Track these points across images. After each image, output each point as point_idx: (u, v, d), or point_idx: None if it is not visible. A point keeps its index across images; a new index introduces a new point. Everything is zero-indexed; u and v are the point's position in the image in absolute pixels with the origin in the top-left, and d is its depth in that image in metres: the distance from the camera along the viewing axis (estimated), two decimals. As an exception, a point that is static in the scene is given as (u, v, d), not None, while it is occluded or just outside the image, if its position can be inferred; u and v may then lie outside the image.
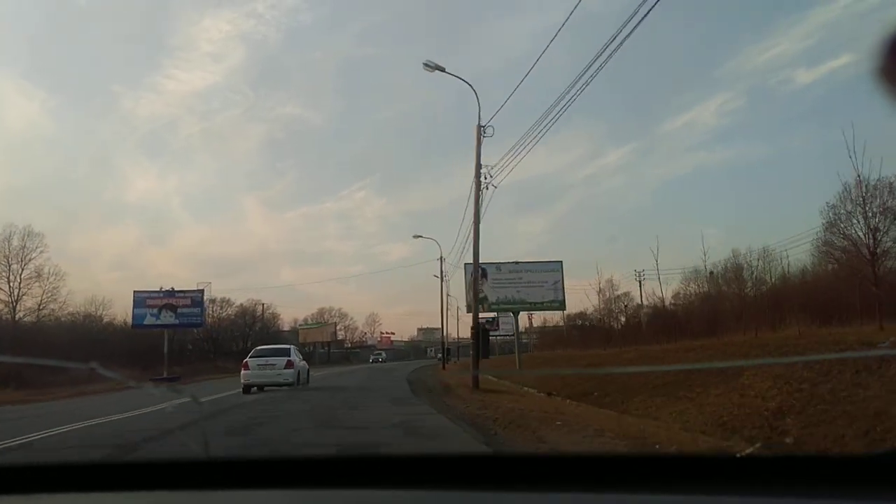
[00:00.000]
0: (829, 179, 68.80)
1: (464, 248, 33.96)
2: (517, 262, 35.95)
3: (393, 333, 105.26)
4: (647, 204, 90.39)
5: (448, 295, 53.31)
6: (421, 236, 49.35)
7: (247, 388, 19.72)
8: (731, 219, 77.85)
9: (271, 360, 20.49)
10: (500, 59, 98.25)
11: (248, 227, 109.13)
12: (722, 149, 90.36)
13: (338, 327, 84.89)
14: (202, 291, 43.19)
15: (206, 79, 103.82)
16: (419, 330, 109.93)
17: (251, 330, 64.70)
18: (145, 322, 40.45)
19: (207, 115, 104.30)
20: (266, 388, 20.04)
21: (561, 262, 36.06)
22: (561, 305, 36.98)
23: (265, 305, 68.97)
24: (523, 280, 35.30)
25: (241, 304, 66.14)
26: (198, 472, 1.53)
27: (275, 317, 72.10)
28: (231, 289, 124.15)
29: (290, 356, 20.97)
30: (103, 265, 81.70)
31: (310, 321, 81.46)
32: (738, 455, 1.44)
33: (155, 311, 40.49)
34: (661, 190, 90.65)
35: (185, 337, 51.24)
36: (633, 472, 1.39)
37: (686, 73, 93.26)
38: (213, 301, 58.37)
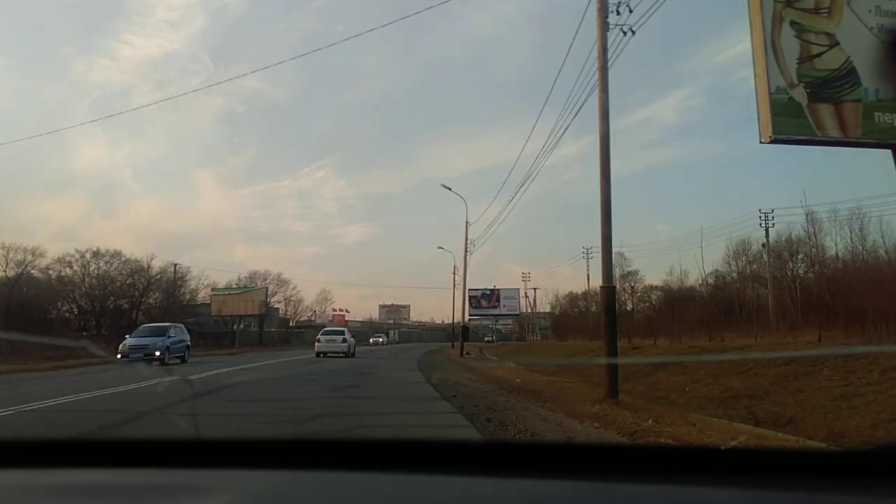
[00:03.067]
0: (779, 180, 75.55)
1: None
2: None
3: (347, 311, 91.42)
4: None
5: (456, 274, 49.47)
6: (449, 188, 42.85)
7: (317, 354, 31.17)
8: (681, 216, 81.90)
9: (334, 337, 32.72)
10: (464, 42, 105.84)
11: (202, 203, 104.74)
12: (678, 145, 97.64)
13: (279, 299, 69.35)
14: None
15: (164, 46, 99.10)
16: (381, 308, 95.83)
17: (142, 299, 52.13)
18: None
19: (163, 85, 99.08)
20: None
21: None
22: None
23: (177, 266, 54.82)
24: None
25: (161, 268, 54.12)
26: (186, 450, 1.55)
27: (184, 281, 57.79)
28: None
29: (345, 335, 33.04)
30: (50, 236, 77.21)
31: (236, 286, 63.76)
32: (722, 448, 1.39)
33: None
34: (617, 184, 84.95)
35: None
36: (626, 462, 1.39)
37: (646, 70, 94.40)
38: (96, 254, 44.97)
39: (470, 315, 60.44)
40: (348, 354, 31.17)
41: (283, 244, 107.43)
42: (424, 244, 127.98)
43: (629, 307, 64.29)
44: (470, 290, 56.87)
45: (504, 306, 70.00)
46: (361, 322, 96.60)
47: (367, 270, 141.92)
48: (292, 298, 71.66)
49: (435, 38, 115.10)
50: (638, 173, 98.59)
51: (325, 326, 44.76)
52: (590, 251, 57.25)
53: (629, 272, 66.32)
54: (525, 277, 75.69)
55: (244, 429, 7.31)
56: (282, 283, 67.60)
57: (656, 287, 64.79)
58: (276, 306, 67.72)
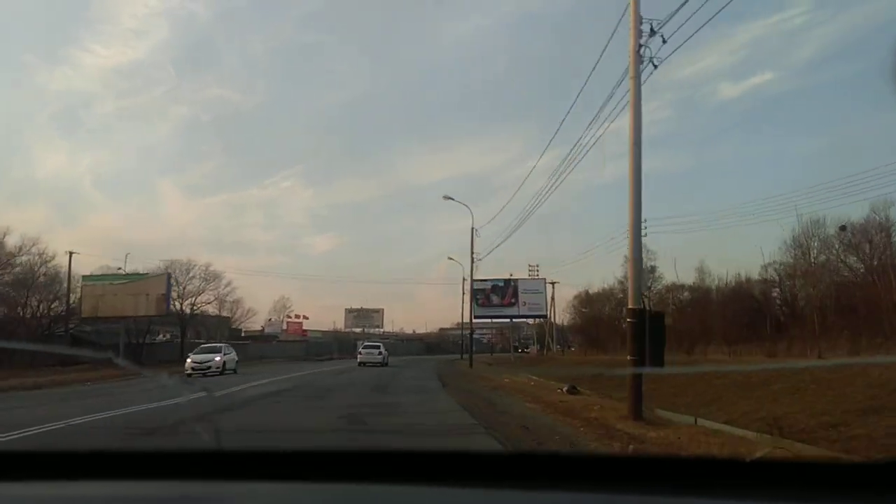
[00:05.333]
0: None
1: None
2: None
3: (306, 318, 76.31)
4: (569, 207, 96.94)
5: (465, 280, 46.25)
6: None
7: (360, 364, 37.47)
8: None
9: (372, 350, 39.41)
10: (440, 53, 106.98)
11: (165, 212, 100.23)
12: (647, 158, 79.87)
13: (207, 298, 50.86)
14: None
15: (128, 55, 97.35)
16: (348, 312, 79.90)
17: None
18: None
19: (127, 93, 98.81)
20: None
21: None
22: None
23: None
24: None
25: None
26: (207, 462, 1.55)
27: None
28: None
29: (381, 349, 39.77)
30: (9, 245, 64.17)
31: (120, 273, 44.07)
32: (747, 460, 1.38)
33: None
34: (584, 194, 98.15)
35: None
36: (646, 473, 1.38)
37: (615, 80, 76.99)
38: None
39: (475, 317, 45.80)
40: (383, 363, 37.72)
41: (249, 254, 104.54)
42: (396, 253, 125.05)
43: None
44: (476, 282, 42.88)
45: (524, 304, 50.90)
46: (324, 332, 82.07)
47: (336, 280, 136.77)
48: (227, 299, 54.11)
49: (409, 46, 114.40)
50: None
51: (276, 337, 52.44)
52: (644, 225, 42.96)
53: (651, 267, 53.86)
54: (532, 270, 56.92)
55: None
56: (211, 277, 50.31)
57: (682, 286, 53.13)
58: (204, 307, 50.97)
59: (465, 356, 44.40)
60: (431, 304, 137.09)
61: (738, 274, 48.79)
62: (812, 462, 1.43)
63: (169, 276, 43.24)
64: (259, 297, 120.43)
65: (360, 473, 1.41)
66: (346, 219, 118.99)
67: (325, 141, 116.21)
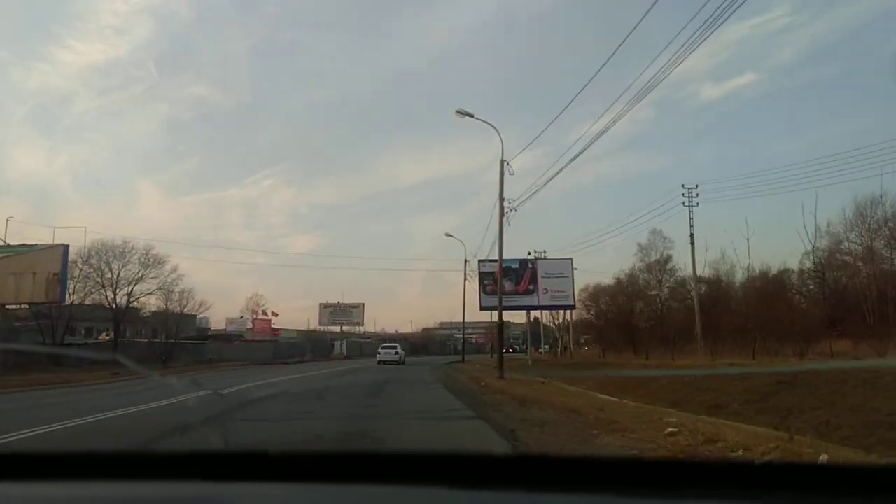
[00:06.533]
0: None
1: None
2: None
3: (275, 315, 66.86)
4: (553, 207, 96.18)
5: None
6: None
7: (379, 362, 40.47)
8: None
9: (389, 350, 43.70)
10: (419, 53, 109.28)
11: (144, 211, 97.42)
12: (626, 157, 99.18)
13: (148, 287, 40.47)
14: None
15: (108, 52, 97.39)
16: (323, 308, 69.76)
17: None
18: None
19: (106, 91, 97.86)
20: None
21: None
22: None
23: None
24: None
25: None
26: (215, 463, 1.53)
27: None
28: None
29: (398, 349, 44.42)
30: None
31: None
32: (755, 462, 1.41)
33: None
34: (568, 195, 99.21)
35: None
36: (654, 476, 1.36)
37: (597, 80, 71.34)
38: None
39: (481, 306, 36.84)
40: (400, 362, 41.02)
41: (228, 253, 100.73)
42: (376, 254, 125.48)
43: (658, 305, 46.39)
44: (484, 263, 34.26)
45: (545, 291, 38.55)
46: (298, 332, 72.92)
47: (315, 280, 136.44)
48: (175, 288, 42.73)
49: (390, 46, 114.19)
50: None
51: (241, 336, 50.50)
52: (692, 191, 33.93)
53: (667, 257, 46.39)
54: (538, 258, 45.84)
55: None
56: (153, 261, 40.09)
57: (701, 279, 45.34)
58: (141, 299, 40.69)
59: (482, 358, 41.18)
60: (415, 305, 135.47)
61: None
62: (822, 465, 1.43)
63: (66, 248, 32.83)
64: (235, 297, 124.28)
65: (362, 474, 1.40)
66: (328, 218, 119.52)
67: (306, 140, 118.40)
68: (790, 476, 1.32)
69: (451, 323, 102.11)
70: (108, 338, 43.50)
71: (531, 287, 38.63)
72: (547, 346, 61.93)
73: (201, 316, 57.39)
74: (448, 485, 1.33)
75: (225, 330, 63.14)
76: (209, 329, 61.59)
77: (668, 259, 47.08)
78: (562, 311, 51.93)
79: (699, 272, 41.27)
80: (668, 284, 48.53)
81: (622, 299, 48.84)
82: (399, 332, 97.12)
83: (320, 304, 68.97)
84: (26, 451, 1.91)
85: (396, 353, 42.58)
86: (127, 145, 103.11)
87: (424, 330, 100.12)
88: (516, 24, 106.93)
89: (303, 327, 74.48)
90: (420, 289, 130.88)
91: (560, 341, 55.03)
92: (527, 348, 46.70)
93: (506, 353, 64.85)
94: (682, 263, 44.95)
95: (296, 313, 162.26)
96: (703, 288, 45.95)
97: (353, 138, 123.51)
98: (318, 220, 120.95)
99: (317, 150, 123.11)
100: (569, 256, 43.26)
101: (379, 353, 43.80)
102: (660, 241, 45.95)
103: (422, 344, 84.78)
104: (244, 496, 1.36)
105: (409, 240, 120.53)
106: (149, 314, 43.96)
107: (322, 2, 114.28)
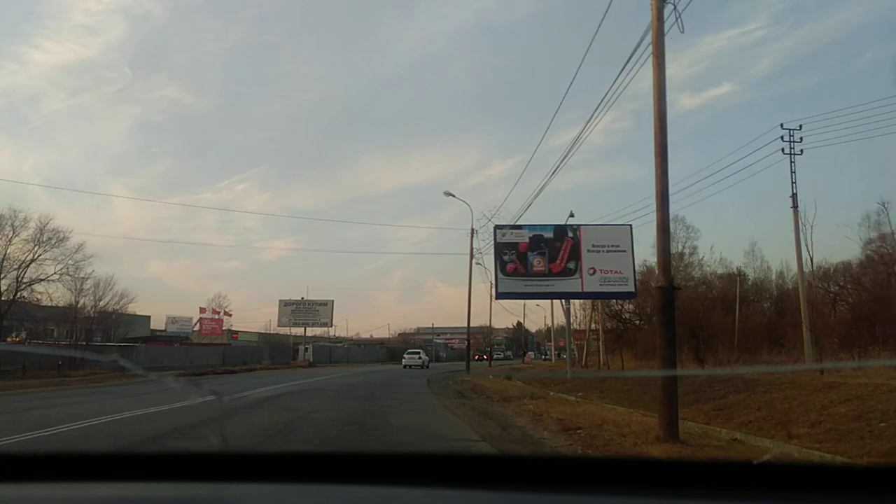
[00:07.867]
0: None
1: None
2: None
3: (228, 314, 56.38)
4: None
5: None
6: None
7: (405, 367, 44.69)
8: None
9: (413, 355, 47.63)
10: (397, 58, 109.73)
11: (114, 215, 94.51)
12: (605, 166, 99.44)
13: (45, 270, 31.57)
14: None
15: (79, 52, 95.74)
16: (283, 305, 58.06)
17: None
18: None
19: (77, 92, 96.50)
20: None
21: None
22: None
23: None
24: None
25: None
26: (215, 464, 1.52)
27: None
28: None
29: (421, 354, 48.83)
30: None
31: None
32: (755, 462, 1.35)
33: None
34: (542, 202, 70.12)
35: None
36: (649, 477, 1.34)
37: (574, 90, 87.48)
38: None
39: (498, 293, 24.97)
40: (423, 367, 44.90)
41: (201, 258, 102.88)
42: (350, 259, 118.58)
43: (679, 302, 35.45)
44: (500, 230, 24.14)
45: (591, 270, 24.46)
46: (259, 334, 63.07)
47: (288, 283, 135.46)
48: (80, 275, 32.90)
49: (368, 51, 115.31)
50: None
51: (185, 337, 48.41)
52: (792, 134, 24.27)
53: (692, 248, 37.87)
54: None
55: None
56: (52, 238, 30.90)
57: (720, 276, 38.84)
58: (35, 287, 31.20)
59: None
60: (391, 311, 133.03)
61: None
62: (820, 465, 1.40)
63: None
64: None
65: (362, 475, 1.40)
66: (301, 224, 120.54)
67: (282, 144, 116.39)
68: (789, 476, 1.29)
69: (432, 328, 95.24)
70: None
71: (571, 265, 24.74)
72: (546, 352, 53.52)
73: (143, 315, 48.00)
74: (440, 485, 1.33)
75: (165, 331, 52.42)
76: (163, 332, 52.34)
77: (694, 251, 38.60)
78: (568, 307, 40.11)
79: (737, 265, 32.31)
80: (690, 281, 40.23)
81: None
82: (374, 336, 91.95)
83: (280, 301, 57.49)
84: (20, 452, 1.74)
85: (420, 357, 46.95)
86: (97, 147, 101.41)
87: (401, 335, 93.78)
88: (495, 32, 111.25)
89: (266, 329, 64.60)
90: (396, 296, 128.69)
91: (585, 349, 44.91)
92: (549, 355, 36.98)
93: (482, 359, 56.83)
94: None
95: (264, 316, 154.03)
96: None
97: (329, 143, 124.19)
98: (294, 225, 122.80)
99: (293, 155, 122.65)
100: (627, 224, 27.31)
101: (404, 359, 47.80)
102: (682, 230, 37.09)
103: (400, 348, 76.89)
104: (244, 496, 1.36)
105: (386, 245, 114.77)
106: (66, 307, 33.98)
107: (300, 5, 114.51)
